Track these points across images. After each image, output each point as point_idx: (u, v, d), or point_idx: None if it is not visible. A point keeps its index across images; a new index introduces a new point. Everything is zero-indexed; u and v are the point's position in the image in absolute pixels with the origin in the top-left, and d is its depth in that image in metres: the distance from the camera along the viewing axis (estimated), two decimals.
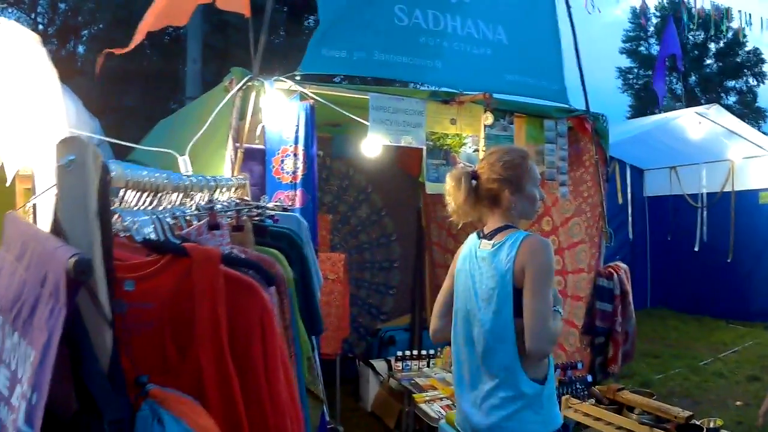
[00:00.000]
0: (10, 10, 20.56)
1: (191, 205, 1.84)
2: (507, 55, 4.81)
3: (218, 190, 2.26)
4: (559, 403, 4.58)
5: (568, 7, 5.32)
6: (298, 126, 3.70)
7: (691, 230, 10.56)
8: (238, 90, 3.70)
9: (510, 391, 2.54)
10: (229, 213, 1.86)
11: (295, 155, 3.70)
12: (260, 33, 3.83)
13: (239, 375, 1.24)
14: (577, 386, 4.93)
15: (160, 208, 1.66)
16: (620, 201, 10.73)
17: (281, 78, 3.77)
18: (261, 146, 3.77)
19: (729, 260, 9.77)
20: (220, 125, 3.80)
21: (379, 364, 6.18)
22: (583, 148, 5.56)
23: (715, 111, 8.52)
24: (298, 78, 3.85)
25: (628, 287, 5.61)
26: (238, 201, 2.11)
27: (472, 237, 2.82)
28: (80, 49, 21.27)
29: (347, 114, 4.00)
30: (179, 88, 15.97)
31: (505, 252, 2.57)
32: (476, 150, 4.56)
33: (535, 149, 5.12)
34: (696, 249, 10.47)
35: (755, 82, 31.39)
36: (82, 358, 1.05)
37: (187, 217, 1.70)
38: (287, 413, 1.30)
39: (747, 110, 30.48)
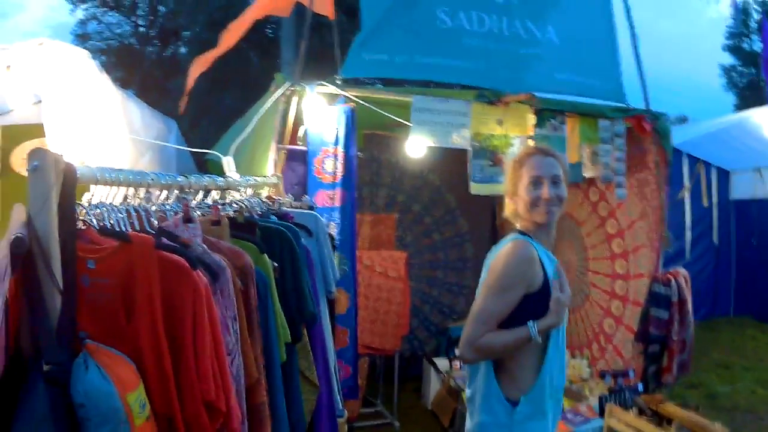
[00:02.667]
0: (110, 14, 21.50)
1: (191, 201, 2.05)
2: (557, 54, 4.88)
3: (232, 190, 2.47)
4: (602, 410, 4.65)
5: (627, 7, 5.33)
6: (338, 128, 3.89)
7: None
8: (281, 95, 3.90)
9: (481, 404, 2.58)
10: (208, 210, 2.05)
11: (335, 156, 3.88)
12: (301, 39, 4.03)
13: (170, 343, 1.45)
14: (626, 395, 4.87)
15: (155, 202, 1.90)
16: (705, 204, 10.48)
17: (322, 82, 3.96)
18: (303, 148, 3.96)
19: None
20: (267, 128, 4.01)
21: (441, 362, 6.30)
22: (647, 149, 5.50)
23: None
24: (338, 82, 4.02)
25: (688, 295, 5.41)
26: (216, 199, 2.30)
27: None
28: (182, 49, 22.10)
29: (389, 116, 4.16)
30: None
31: (489, 256, 2.69)
32: None
33: (591, 150, 5.14)
34: None
35: None
36: (35, 315, 1.34)
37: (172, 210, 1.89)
38: (213, 381, 1.49)
39: None
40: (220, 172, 2.88)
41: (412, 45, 4.30)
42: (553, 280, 2.51)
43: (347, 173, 3.91)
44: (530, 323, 2.42)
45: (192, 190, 2.12)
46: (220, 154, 3.39)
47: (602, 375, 5.62)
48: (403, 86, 4.83)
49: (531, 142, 4.57)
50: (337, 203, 3.88)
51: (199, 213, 1.97)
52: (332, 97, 4.04)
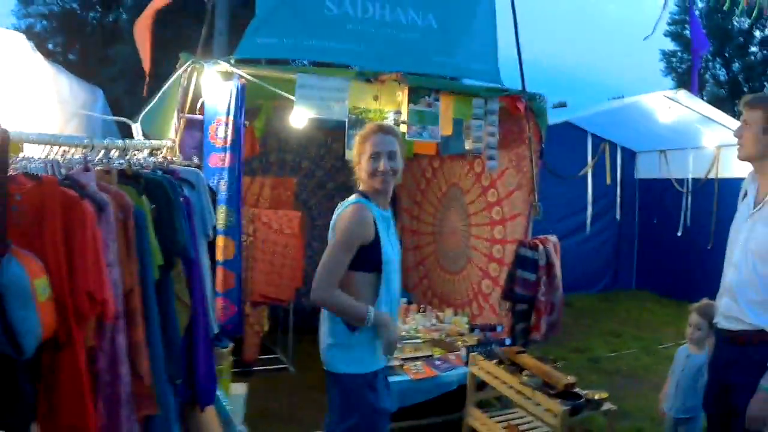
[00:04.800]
0: None
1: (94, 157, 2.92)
2: (435, 38, 5.66)
3: (129, 150, 3.33)
4: (467, 359, 5.55)
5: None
6: (230, 101, 4.73)
7: (677, 215, 11.13)
8: (183, 71, 4.75)
9: (327, 329, 3.53)
10: (103, 164, 2.92)
11: (227, 125, 4.72)
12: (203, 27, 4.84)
13: (66, 249, 2.30)
14: (491, 347, 5.64)
15: (66, 157, 2.76)
16: (608, 182, 11.49)
17: (218, 61, 4.80)
18: (201, 117, 4.81)
19: (709, 247, 10.16)
20: (171, 99, 4.86)
21: None
22: (523, 126, 6.23)
23: (684, 95, 9.02)
24: (232, 61, 4.87)
25: (555, 260, 6.12)
26: (115, 157, 3.17)
27: None
28: (123, 16, 22.50)
29: (276, 90, 5.02)
30: (208, 55, 17.16)
31: (336, 214, 3.61)
32: (398, 123, 5.46)
33: (465, 124, 6.04)
34: (679, 234, 11.07)
35: None
36: None
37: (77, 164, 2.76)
38: (93, 275, 2.35)
39: None
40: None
41: (300, 30, 5.08)
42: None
43: (235, 139, 4.74)
44: (371, 310, 3.34)
45: (95, 150, 3.00)
46: (129, 121, 4.25)
47: (472, 329, 6.51)
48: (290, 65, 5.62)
49: (402, 116, 5.48)
50: (227, 164, 4.71)
51: (92, 166, 2.83)
52: (227, 74, 4.86)
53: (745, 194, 3.87)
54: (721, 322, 3.63)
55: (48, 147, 2.71)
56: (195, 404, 3.65)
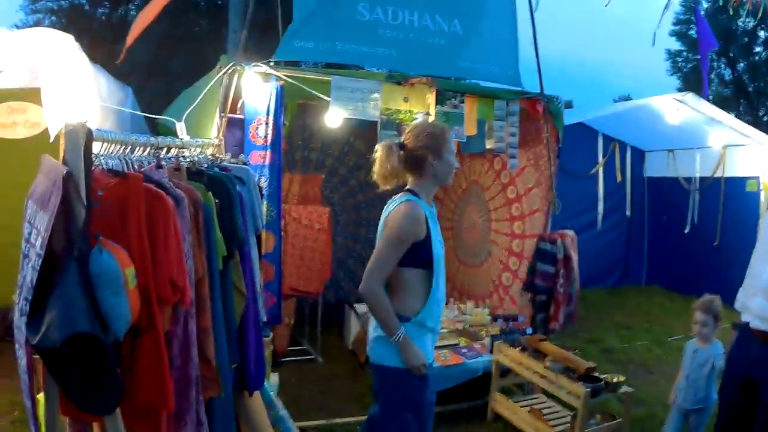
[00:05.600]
0: None
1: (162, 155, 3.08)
2: (460, 44, 5.84)
3: (186, 148, 3.50)
4: (491, 348, 5.73)
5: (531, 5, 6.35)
6: (269, 101, 4.89)
7: (685, 212, 11.28)
8: (224, 73, 4.92)
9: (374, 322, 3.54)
10: (172, 161, 3.09)
11: (267, 124, 4.89)
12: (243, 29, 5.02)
13: (150, 241, 2.45)
14: (515, 336, 5.89)
15: (134, 155, 2.92)
16: (618, 179, 11.65)
17: (258, 63, 4.97)
18: (241, 116, 4.97)
19: (716, 244, 10.45)
20: (212, 99, 5.02)
21: (361, 308, 7.29)
22: (541, 127, 6.46)
23: (691, 98, 9.16)
24: (272, 64, 5.04)
25: (573, 253, 6.27)
26: (186, 155, 3.33)
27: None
28: (132, 12, 22.63)
29: (313, 92, 5.18)
30: (222, 52, 17.19)
31: (386, 211, 3.57)
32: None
33: (488, 125, 6.22)
34: (686, 231, 11.22)
35: None
36: (69, 220, 2.28)
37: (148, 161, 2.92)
38: (176, 264, 2.50)
39: None
40: (170, 133, 3.84)
41: (334, 34, 5.27)
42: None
43: (275, 138, 4.91)
44: (402, 331, 3.36)
45: (159, 148, 3.16)
46: (174, 120, 4.42)
47: (495, 319, 6.70)
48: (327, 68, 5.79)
49: (431, 118, 5.62)
50: (267, 162, 4.89)
51: (164, 163, 2.99)
52: (266, 75, 5.03)
53: None
54: (755, 323, 3.58)
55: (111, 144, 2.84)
56: (243, 388, 3.82)
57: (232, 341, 3.30)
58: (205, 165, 3.45)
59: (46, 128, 6.51)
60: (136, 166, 2.80)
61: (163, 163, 2.90)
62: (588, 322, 9.17)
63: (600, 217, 11.48)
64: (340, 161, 8.72)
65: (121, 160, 2.72)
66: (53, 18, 22.70)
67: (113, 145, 2.78)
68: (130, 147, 2.90)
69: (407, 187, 3.59)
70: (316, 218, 6.96)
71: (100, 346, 2.22)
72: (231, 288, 3.37)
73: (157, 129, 7.61)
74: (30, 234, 2.45)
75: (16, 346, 2.48)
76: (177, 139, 3.42)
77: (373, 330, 3.61)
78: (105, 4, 23.55)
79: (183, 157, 3.28)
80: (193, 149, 3.69)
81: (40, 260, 2.24)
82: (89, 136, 2.40)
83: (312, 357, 7.21)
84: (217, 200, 3.11)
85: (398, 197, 3.54)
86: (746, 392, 3.65)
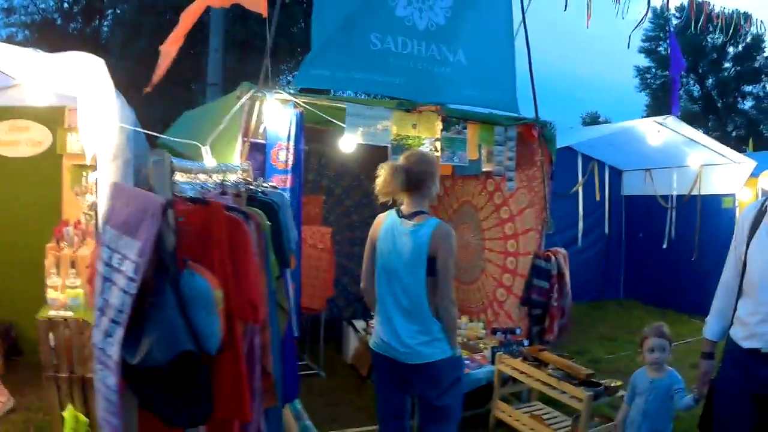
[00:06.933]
0: None
1: (212, 181, 3.32)
2: (464, 73, 6.12)
3: (229, 173, 3.73)
4: (494, 359, 6.01)
5: (525, 29, 6.69)
6: (290, 127, 5.15)
7: (661, 229, 11.66)
8: (246, 99, 5.16)
9: (422, 326, 3.96)
10: (233, 188, 3.32)
11: (287, 149, 5.14)
12: (265, 56, 5.26)
13: (231, 265, 2.68)
14: (513, 348, 6.19)
15: (195, 181, 3.15)
16: (597, 198, 12.03)
17: (279, 90, 5.22)
18: (263, 141, 5.21)
19: (693, 259, 10.75)
20: (232, 124, 5.26)
21: (359, 323, 7.65)
22: (535, 150, 6.82)
23: (672, 121, 9.59)
24: (291, 91, 5.30)
25: (565, 269, 6.68)
26: (240, 180, 3.56)
27: (392, 215, 4.14)
28: (104, 28, 22.74)
29: (330, 119, 5.45)
30: (201, 73, 17.24)
31: (424, 231, 3.93)
32: (432, 149, 5.94)
33: (487, 150, 6.53)
34: (664, 246, 11.59)
35: None
36: (161, 244, 2.47)
37: (211, 188, 3.15)
38: (257, 287, 2.73)
39: (762, 115, 31.21)
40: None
41: (349, 63, 5.52)
42: None
43: (296, 162, 5.17)
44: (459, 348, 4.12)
45: (210, 174, 3.40)
46: (200, 144, 4.65)
47: (494, 332, 6.98)
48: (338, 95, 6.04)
49: (438, 143, 5.94)
50: (289, 185, 5.14)
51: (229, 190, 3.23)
52: (285, 101, 5.28)
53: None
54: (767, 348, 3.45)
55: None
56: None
57: (275, 355, 3.54)
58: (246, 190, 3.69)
59: (49, 147, 6.75)
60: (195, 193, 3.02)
61: (228, 189, 3.14)
62: (573, 335, 9.40)
63: (580, 234, 11.81)
64: (335, 183, 8.99)
65: (194, 188, 2.94)
66: (26, 32, 22.76)
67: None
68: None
69: (414, 208, 4.07)
70: (319, 238, 7.19)
71: (197, 363, 2.42)
72: (275, 305, 3.61)
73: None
74: (111, 258, 2.57)
75: (98, 367, 2.54)
76: (220, 166, 3.65)
77: (419, 336, 3.99)
78: (78, 19, 23.63)
79: (240, 183, 3.51)
80: (232, 174, 3.93)
81: (135, 284, 2.37)
82: (171, 166, 2.63)
83: (315, 372, 7.42)
84: (269, 223, 3.35)
85: (431, 218, 4.02)
86: (759, 413, 3.54)
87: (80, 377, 4.88)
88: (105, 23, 23.98)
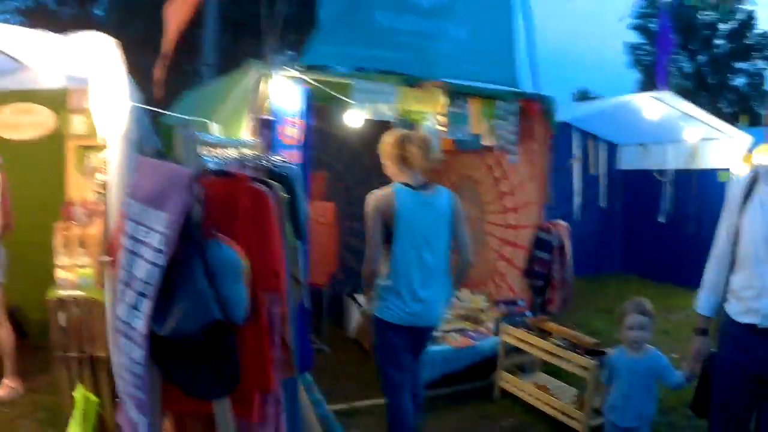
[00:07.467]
0: None
1: (230, 156, 3.39)
2: (466, 49, 6.24)
3: (244, 148, 3.80)
4: (498, 331, 6.11)
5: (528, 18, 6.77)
6: (298, 103, 5.19)
7: (658, 203, 11.77)
8: (255, 77, 5.20)
9: (444, 289, 4.43)
10: (252, 162, 3.39)
11: (295, 125, 5.19)
12: (268, 37, 5.30)
13: (255, 232, 2.75)
14: (516, 319, 6.32)
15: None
16: (591, 172, 12.11)
17: (286, 68, 5.26)
18: (270, 117, 5.26)
19: (693, 232, 10.86)
20: (240, 101, 5.31)
21: (361, 298, 7.66)
22: (535, 125, 6.89)
23: (669, 95, 9.64)
24: (297, 68, 5.34)
25: (566, 242, 6.78)
26: (256, 154, 3.63)
27: (401, 189, 4.28)
28: (96, 11, 22.64)
29: (336, 95, 5.48)
30: (197, 54, 17.23)
31: (444, 199, 4.33)
32: (436, 124, 6.09)
33: (489, 124, 6.59)
34: (662, 221, 11.70)
35: (765, 66, 31.79)
36: (187, 218, 2.51)
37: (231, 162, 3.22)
38: (279, 254, 2.81)
39: (755, 93, 31.22)
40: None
41: (355, 40, 5.62)
42: None
43: (306, 138, 5.25)
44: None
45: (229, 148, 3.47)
46: (208, 121, 4.70)
47: (497, 303, 7.07)
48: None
49: (442, 118, 6.05)
50: (296, 161, 5.21)
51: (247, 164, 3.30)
52: (291, 77, 5.33)
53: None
54: (765, 323, 3.42)
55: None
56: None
57: (292, 326, 3.61)
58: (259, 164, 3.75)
59: (52, 129, 6.73)
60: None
61: (247, 163, 3.21)
62: (572, 308, 9.51)
63: (576, 209, 11.88)
64: (335, 158, 9.08)
65: (215, 162, 3.00)
66: (20, 18, 22.66)
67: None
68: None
69: (421, 180, 4.36)
70: (322, 213, 7.25)
71: (225, 333, 2.49)
72: (290, 277, 3.68)
73: (159, 128, 7.75)
74: (136, 231, 2.60)
75: (122, 341, 2.56)
76: (236, 141, 3.72)
77: (440, 299, 4.45)
78: (71, 3, 23.52)
79: (259, 156, 3.57)
80: (247, 150, 4.00)
81: (165, 256, 2.40)
82: (195, 139, 2.69)
83: (317, 347, 7.48)
84: (286, 195, 3.42)
85: (440, 187, 4.46)
86: (761, 390, 3.53)
87: (90, 356, 4.84)
88: (98, 7, 23.87)
